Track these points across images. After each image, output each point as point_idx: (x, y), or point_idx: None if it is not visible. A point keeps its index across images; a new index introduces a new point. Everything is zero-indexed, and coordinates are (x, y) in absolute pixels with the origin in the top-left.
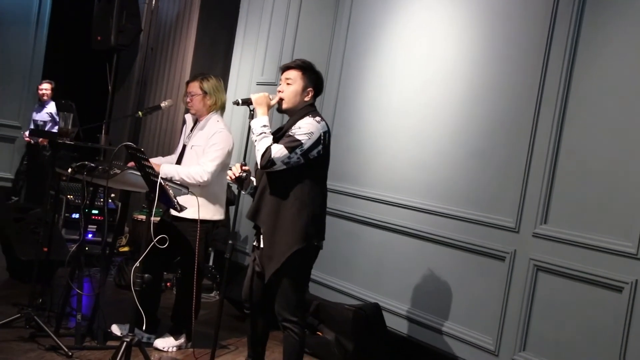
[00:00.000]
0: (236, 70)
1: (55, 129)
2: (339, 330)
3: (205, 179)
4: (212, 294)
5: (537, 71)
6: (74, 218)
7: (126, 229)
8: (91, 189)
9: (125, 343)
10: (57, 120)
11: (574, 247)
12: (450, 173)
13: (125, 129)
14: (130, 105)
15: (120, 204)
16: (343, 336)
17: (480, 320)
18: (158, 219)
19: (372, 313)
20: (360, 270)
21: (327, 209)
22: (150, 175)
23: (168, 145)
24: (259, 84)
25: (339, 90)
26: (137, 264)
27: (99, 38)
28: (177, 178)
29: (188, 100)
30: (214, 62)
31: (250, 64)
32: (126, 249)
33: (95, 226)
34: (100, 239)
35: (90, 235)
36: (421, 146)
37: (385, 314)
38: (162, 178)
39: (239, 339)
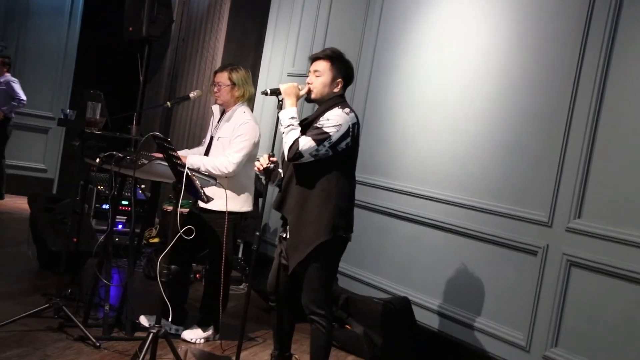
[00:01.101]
0: (267, 61)
1: (8, 105)
2: (368, 324)
3: (231, 170)
4: (241, 286)
5: (573, 63)
6: (104, 208)
7: (157, 220)
8: (119, 179)
9: (152, 334)
10: (13, 94)
11: (609, 243)
12: (483, 166)
13: (157, 120)
14: (161, 96)
15: (150, 195)
16: (372, 330)
17: (511, 316)
18: (187, 210)
19: (401, 307)
20: (390, 263)
21: (357, 202)
22: (177, 165)
23: (198, 136)
24: (290, 75)
25: (370, 81)
26: (164, 254)
27: (130, 29)
28: (202, 169)
29: (215, 90)
30: (245, 53)
31: (282, 55)
32: (156, 240)
33: (124, 217)
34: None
35: (120, 226)
36: (453, 138)
37: (414, 308)
38: (188, 169)
39: (267, 331)
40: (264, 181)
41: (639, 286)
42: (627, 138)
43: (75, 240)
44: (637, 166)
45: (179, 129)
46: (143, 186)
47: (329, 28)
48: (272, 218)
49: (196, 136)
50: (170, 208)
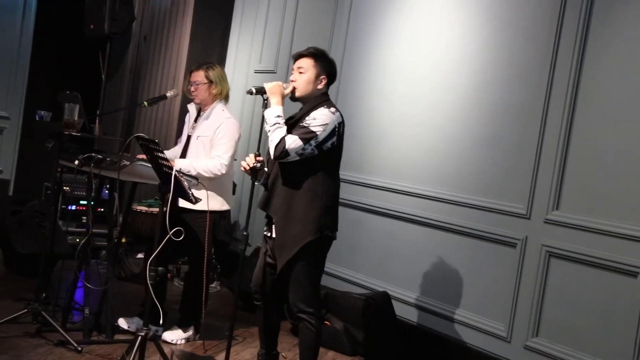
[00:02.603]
0: (233, 58)
1: None
2: (348, 319)
3: (224, 172)
4: (214, 284)
5: (548, 56)
6: (70, 210)
7: (120, 219)
8: (97, 181)
9: (140, 337)
10: None
11: (587, 233)
12: (459, 159)
13: (119, 119)
14: (123, 95)
15: (116, 195)
16: (352, 325)
17: (491, 307)
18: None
19: (381, 302)
20: (368, 258)
21: None
22: (163, 167)
23: (165, 135)
24: (257, 72)
25: (341, 76)
26: (152, 257)
27: (92, 26)
28: (194, 173)
29: (192, 89)
30: (210, 50)
31: (248, 52)
32: (123, 240)
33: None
34: (98, 230)
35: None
36: (429, 133)
37: (394, 302)
38: (176, 171)
39: (246, 329)
40: (237, 181)
41: (617, 274)
42: (602, 129)
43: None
44: (613, 157)
45: (143, 128)
46: (107, 186)
47: (296, 23)
48: (242, 216)
49: (162, 134)
50: (140, 208)
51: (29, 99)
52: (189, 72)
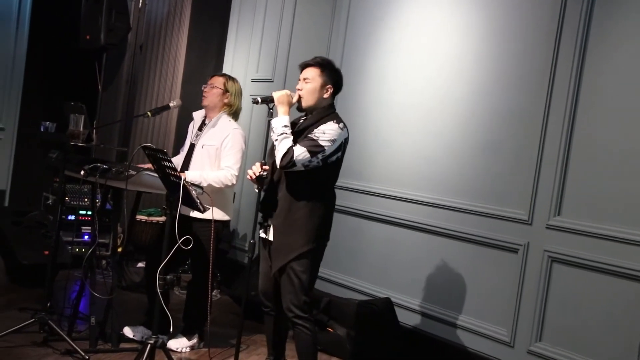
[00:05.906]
0: (229, 67)
1: None
2: (351, 325)
3: (234, 182)
4: (214, 293)
5: (548, 62)
6: (70, 220)
7: (119, 229)
8: (99, 190)
9: (149, 345)
10: None
11: (590, 238)
12: (459, 166)
13: (115, 129)
14: (119, 104)
15: (114, 205)
16: (355, 331)
17: (494, 313)
18: (161, 218)
19: (383, 307)
20: (368, 265)
21: None
22: (170, 176)
23: (162, 145)
24: (254, 80)
25: None
26: (162, 266)
27: (87, 37)
28: (204, 184)
29: (206, 90)
30: (207, 60)
31: (244, 61)
32: (120, 249)
33: (89, 227)
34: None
35: (85, 237)
36: (428, 139)
37: (396, 308)
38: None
39: (248, 337)
40: (256, 189)
41: (619, 279)
42: (602, 135)
43: (47, 252)
44: (613, 162)
45: (140, 138)
46: (109, 195)
47: (293, 32)
48: (240, 224)
49: (159, 145)
50: (140, 217)
51: (23, 109)
52: (210, 75)
